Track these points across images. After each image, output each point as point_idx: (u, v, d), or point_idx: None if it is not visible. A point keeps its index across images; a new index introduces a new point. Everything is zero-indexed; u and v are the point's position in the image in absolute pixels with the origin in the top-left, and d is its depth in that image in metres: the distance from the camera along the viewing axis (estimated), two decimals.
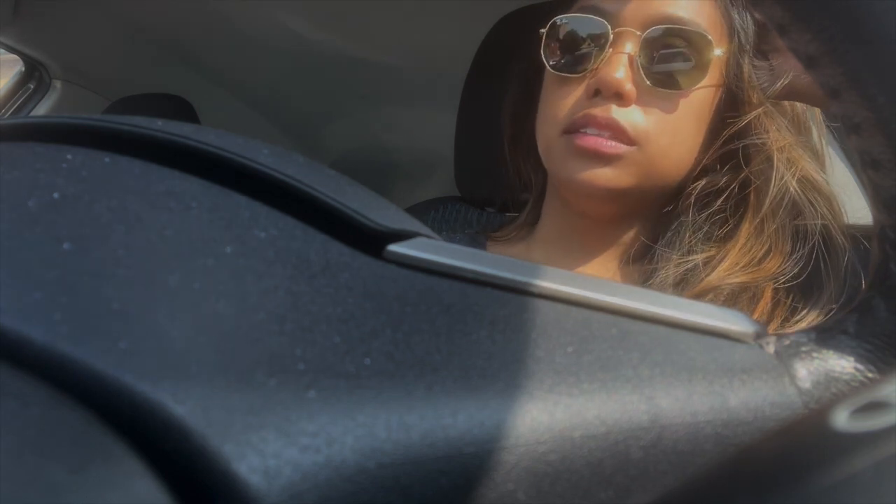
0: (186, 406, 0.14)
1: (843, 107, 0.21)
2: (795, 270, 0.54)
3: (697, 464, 0.18)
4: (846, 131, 0.22)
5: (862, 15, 0.20)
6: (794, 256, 0.54)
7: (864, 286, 0.23)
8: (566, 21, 0.58)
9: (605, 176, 0.55)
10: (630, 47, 0.54)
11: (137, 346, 0.15)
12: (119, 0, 1.20)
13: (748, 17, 0.56)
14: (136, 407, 0.14)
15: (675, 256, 0.56)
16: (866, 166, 0.22)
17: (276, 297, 0.18)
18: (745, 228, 0.55)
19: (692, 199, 0.57)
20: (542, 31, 0.59)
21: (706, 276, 0.54)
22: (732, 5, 0.56)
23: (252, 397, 0.15)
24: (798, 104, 0.58)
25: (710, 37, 0.54)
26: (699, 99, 0.56)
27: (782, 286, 0.54)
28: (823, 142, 0.58)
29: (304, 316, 0.17)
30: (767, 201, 0.54)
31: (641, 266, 0.59)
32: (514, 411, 0.17)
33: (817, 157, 0.57)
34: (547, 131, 0.59)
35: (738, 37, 0.56)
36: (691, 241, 0.56)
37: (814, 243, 0.54)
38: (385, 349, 0.17)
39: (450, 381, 0.17)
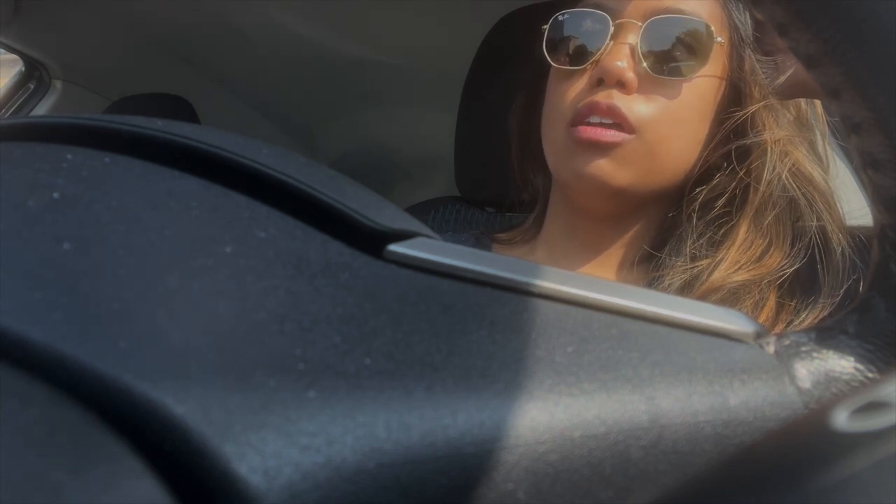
0: (186, 406, 0.14)
1: (843, 107, 0.21)
2: (795, 266, 0.54)
3: (697, 464, 0.18)
4: (846, 131, 0.22)
5: (862, 15, 0.20)
6: (793, 252, 0.54)
7: (863, 286, 0.23)
8: (567, 17, 0.58)
9: (604, 168, 0.55)
10: (631, 38, 0.55)
11: (137, 346, 0.15)
12: (119, 0, 1.20)
13: (747, 14, 0.56)
14: (137, 407, 0.14)
15: (679, 263, 0.56)
16: (866, 166, 0.22)
17: (276, 297, 0.18)
18: (743, 225, 0.55)
19: (696, 205, 0.57)
20: (544, 27, 0.60)
21: (708, 277, 0.54)
22: (732, 2, 0.56)
23: (252, 397, 0.15)
24: (803, 104, 0.58)
25: (710, 26, 0.55)
26: (701, 90, 0.56)
27: (785, 289, 0.54)
28: (826, 143, 0.58)
29: (304, 316, 0.17)
30: (760, 192, 0.55)
31: (646, 271, 0.59)
32: (514, 411, 0.17)
33: (817, 154, 0.57)
34: (553, 126, 0.59)
35: (738, 30, 0.56)
36: (694, 247, 0.56)
37: (810, 238, 0.54)
38: (385, 349, 0.17)
39: (450, 381, 0.17)
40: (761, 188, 0.54)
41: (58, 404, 0.14)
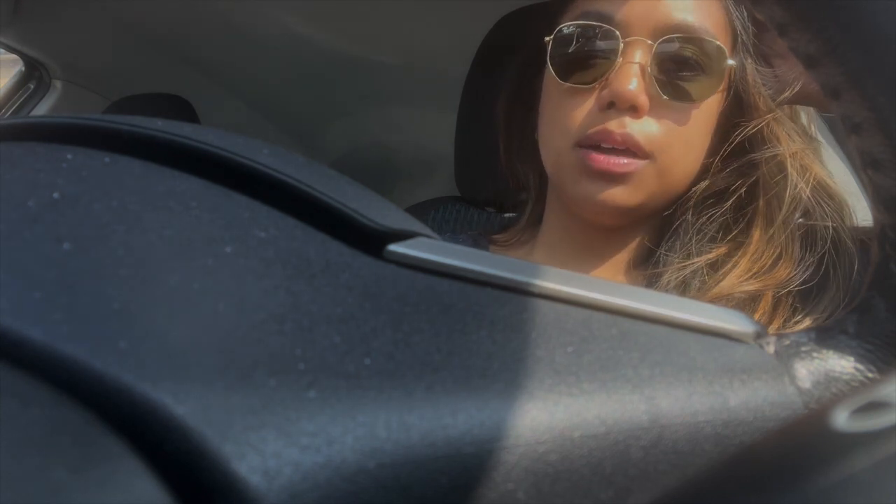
0: (186, 406, 0.14)
1: (843, 107, 0.21)
2: (805, 276, 0.53)
3: (697, 464, 0.18)
4: (846, 131, 0.22)
5: (862, 15, 0.20)
6: (805, 262, 0.53)
7: (863, 286, 0.23)
8: (572, 29, 0.56)
9: (617, 195, 0.54)
10: (640, 56, 0.53)
11: (137, 346, 0.15)
12: (119, 0, 1.20)
13: (747, 15, 0.56)
14: (136, 407, 0.14)
15: (676, 260, 0.55)
16: (866, 166, 0.22)
17: (276, 297, 0.18)
18: (757, 236, 0.55)
19: (692, 202, 0.57)
20: (548, 39, 0.57)
21: (717, 283, 0.53)
22: (734, 4, 0.56)
23: (252, 397, 0.15)
24: (797, 109, 0.58)
25: (722, 45, 0.53)
26: (708, 106, 0.56)
27: (785, 291, 0.54)
28: (811, 121, 0.58)
29: (304, 316, 0.17)
30: (783, 210, 0.54)
31: (645, 270, 0.58)
32: (514, 411, 0.17)
33: (819, 155, 0.57)
34: (557, 143, 0.57)
35: (741, 37, 0.55)
36: (690, 245, 0.56)
37: (823, 251, 0.53)
38: (385, 349, 0.17)
39: (450, 381, 0.17)
40: (786, 202, 0.53)
41: (58, 404, 0.14)
